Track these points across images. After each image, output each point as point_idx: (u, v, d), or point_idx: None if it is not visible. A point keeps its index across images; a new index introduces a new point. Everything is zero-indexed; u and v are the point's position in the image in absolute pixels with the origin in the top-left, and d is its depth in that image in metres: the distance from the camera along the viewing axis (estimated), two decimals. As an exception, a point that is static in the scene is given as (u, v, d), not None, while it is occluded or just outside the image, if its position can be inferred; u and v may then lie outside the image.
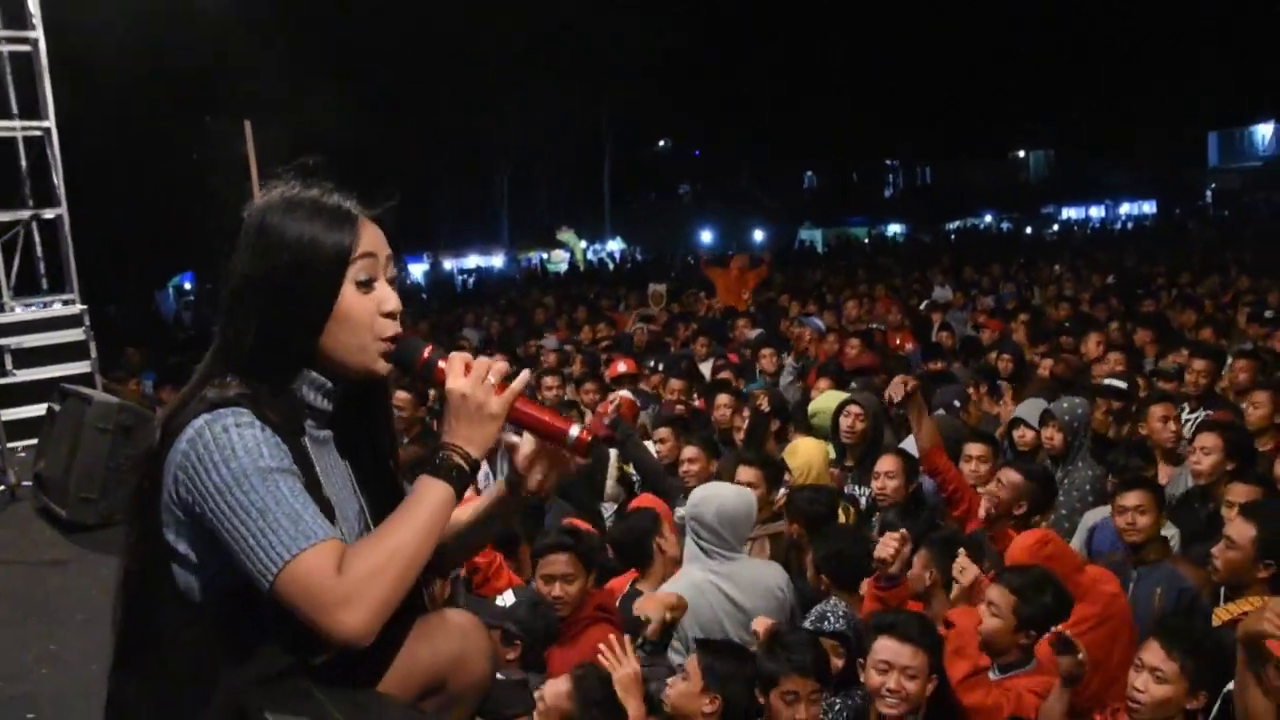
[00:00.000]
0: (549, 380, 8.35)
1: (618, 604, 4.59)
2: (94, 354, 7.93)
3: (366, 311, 1.87)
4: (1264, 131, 46.43)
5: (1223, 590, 4.10)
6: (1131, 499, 4.48)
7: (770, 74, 41.07)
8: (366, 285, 1.87)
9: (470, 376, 1.84)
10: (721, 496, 4.60)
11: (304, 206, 1.87)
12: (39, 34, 8.24)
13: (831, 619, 3.98)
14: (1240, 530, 3.95)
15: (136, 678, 1.86)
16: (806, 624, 3.99)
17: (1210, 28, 38.71)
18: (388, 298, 1.89)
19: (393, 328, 1.89)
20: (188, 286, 33.51)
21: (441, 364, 1.90)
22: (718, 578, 4.38)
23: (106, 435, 5.24)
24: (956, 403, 7.33)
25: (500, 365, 1.88)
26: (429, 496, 1.79)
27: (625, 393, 7.30)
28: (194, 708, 1.79)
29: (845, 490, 5.99)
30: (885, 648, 3.40)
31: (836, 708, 3.71)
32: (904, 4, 38.93)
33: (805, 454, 6.19)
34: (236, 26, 18.75)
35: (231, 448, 1.73)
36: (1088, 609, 4.00)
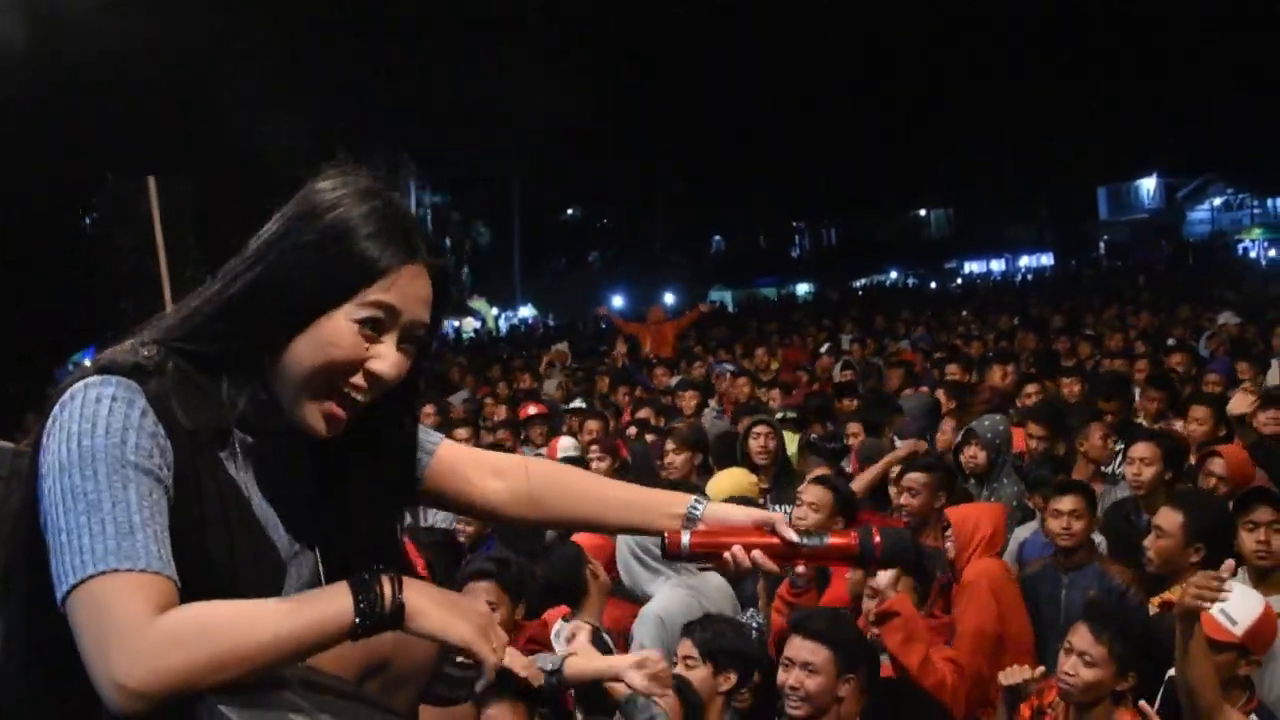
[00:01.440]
0: (461, 432, 8.20)
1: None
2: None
3: (347, 350, 1.50)
4: (1148, 185, 48.46)
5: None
6: (1066, 504, 4.56)
7: (676, 138, 41.71)
8: (370, 328, 1.51)
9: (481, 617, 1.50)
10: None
11: (372, 202, 1.54)
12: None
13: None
14: (1168, 518, 4.07)
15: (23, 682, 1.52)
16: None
17: (1095, 89, 40.38)
18: (385, 357, 1.52)
19: (361, 392, 1.53)
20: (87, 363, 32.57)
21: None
22: (690, 590, 4.36)
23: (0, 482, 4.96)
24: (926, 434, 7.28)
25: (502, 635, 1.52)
26: (323, 609, 1.41)
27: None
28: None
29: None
30: (791, 644, 3.35)
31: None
32: (803, 67, 39.90)
33: (727, 483, 6.14)
34: (137, 82, 18.47)
35: (94, 421, 1.41)
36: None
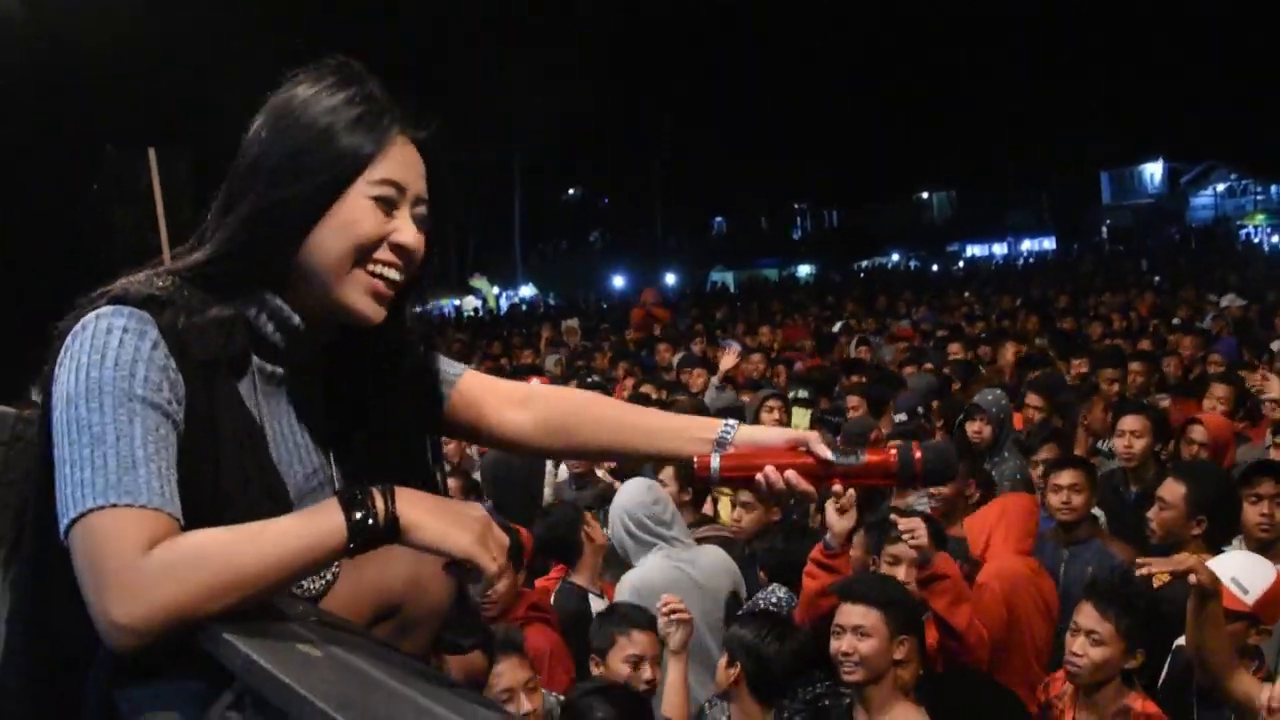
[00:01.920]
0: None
1: (553, 600, 4.47)
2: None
3: (370, 226, 1.50)
4: (1152, 170, 48.33)
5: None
6: (1065, 478, 4.53)
7: (678, 121, 41.59)
8: (383, 205, 1.51)
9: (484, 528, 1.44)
10: (623, 494, 4.56)
11: (338, 95, 1.53)
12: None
13: (762, 604, 3.89)
14: (1172, 490, 4.06)
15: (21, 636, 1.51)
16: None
17: (1098, 73, 40.27)
18: (405, 229, 1.52)
19: (394, 268, 1.53)
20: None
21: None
22: (681, 563, 4.32)
23: (1, 447, 4.93)
24: (920, 409, 7.12)
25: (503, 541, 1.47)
26: (315, 527, 1.38)
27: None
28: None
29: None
30: (840, 611, 3.31)
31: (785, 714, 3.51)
32: (807, 50, 39.74)
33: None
34: (137, 51, 18.35)
35: (103, 353, 1.39)
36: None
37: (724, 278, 42.03)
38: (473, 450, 7.02)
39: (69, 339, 1.43)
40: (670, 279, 40.02)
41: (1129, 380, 7.35)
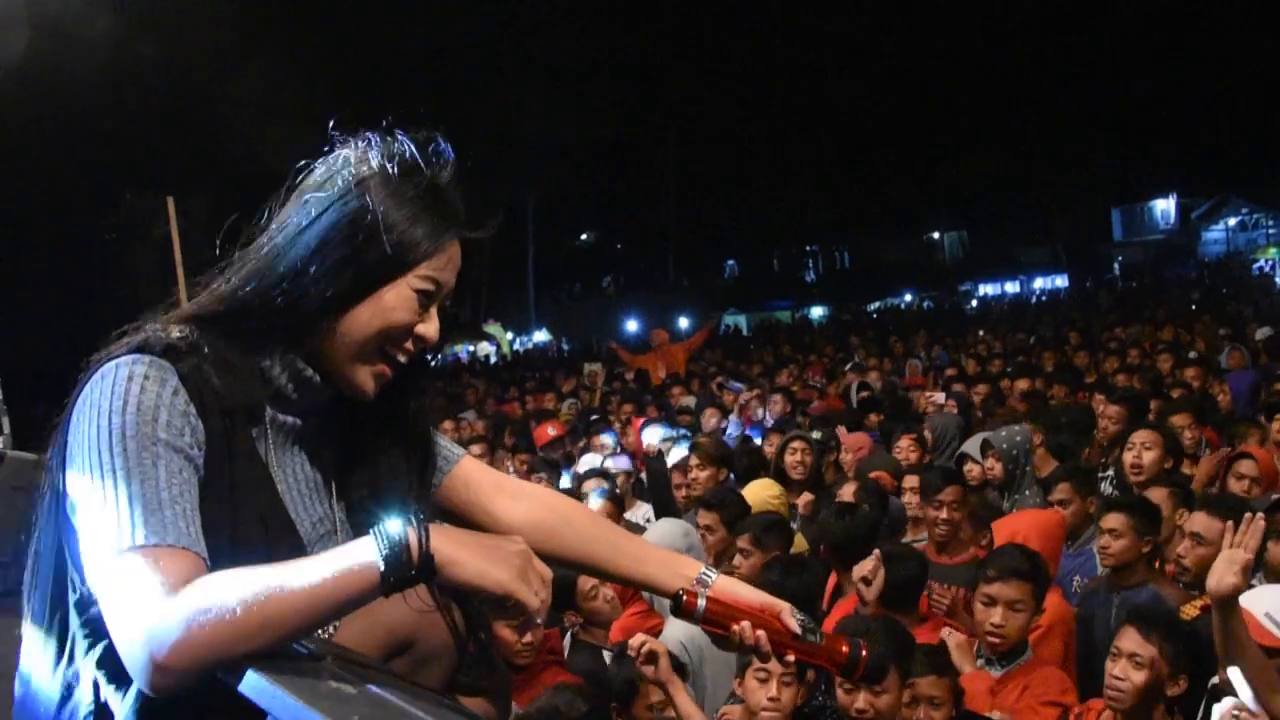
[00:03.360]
0: (475, 448, 8.18)
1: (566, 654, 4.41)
2: (6, 429, 7.60)
3: (405, 317, 1.57)
4: (1164, 206, 48.34)
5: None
6: (1108, 521, 4.41)
7: (687, 164, 41.80)
8: (423, 299, 1.59)
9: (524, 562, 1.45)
10: (656, 533, 4.53)
11: (409, 184, 1.58)
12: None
13: None
14: (1207, 525, 3.94)
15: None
16: None
17: (1107, 110, 40.40)
18: (432, 324, 1.60)
19: (406, 354, 1.61)
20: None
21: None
22: None
23: (20, 493, 4.92)
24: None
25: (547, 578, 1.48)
26: (348, 566, 1.35)
27: None
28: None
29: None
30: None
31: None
32: (816, 91, 39.99)
33: (755, 494, 6.09)
34: (157, 98, 18.50)
35: (125, 399, 1.40)
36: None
37: (737, 320, 42.02)
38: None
39: (87, 388, 1.45)
40: (683, 322, 40.02)
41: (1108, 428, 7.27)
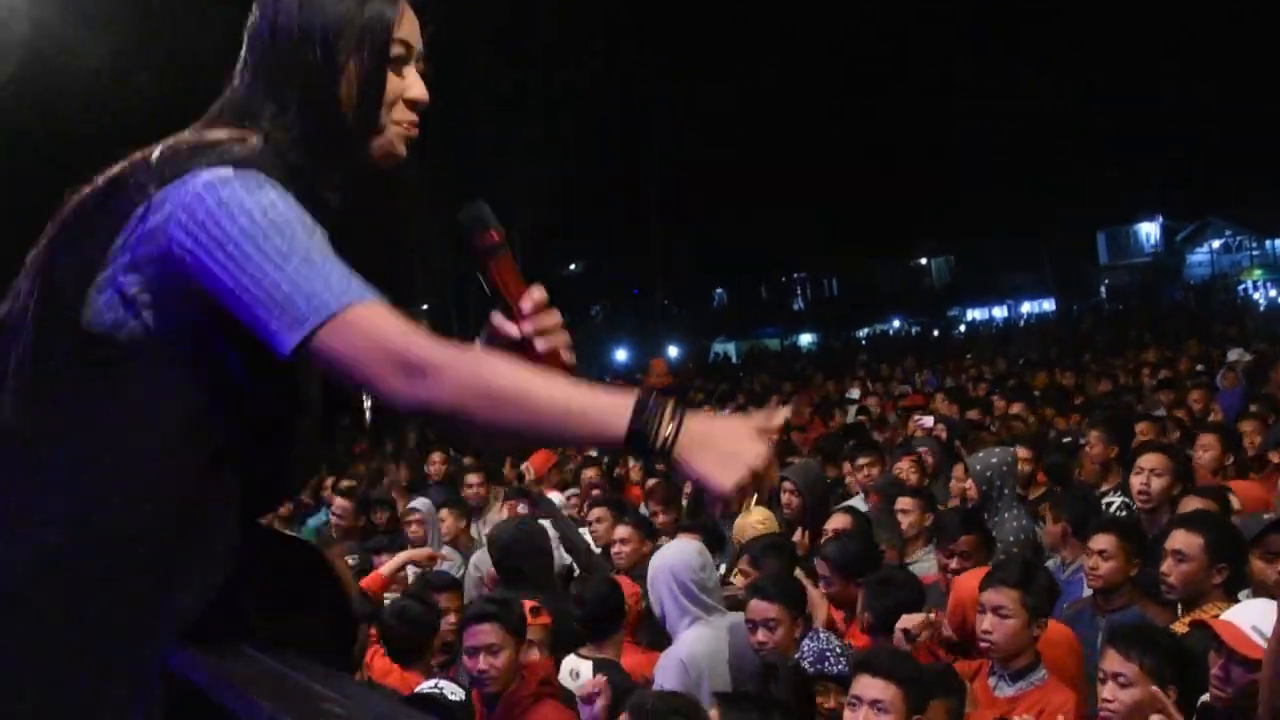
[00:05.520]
0: (472, 478, 8.14)
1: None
2: None
3: (393, 91, 1.65)
4: (1148, 229, 48.67)
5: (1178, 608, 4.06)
6: (1096, 542, 4.36)
7: (673, 192, 41.92)
8: (396, 65, 1.65)
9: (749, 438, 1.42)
10: (673, 554, 4.49)
11: None
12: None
13: (831, 660, 3.83)
14: (1187, 541, 3.95)
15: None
16: (805, 665, 3.79)
17: (1090, 134, 40.68)
18: (415, 84, 1.67)
19: (410, 118, 1.68)
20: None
21: (501, 262, 1.66)
22: (717, 633, 4.28)
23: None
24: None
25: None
26: (606, 411, 1.41)
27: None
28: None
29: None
30: (857, 683, 3.26)
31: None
32: (802, 118, 40.21)
33: (740, 526, 6.05)
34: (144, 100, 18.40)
35: (271, 201, 1.46)
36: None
37: (726, 348, 42.11)
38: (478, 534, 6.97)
39: (191, 198, 1.46)
40: (673, 351, 40.08)
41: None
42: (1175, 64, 37.45)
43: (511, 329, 1.66)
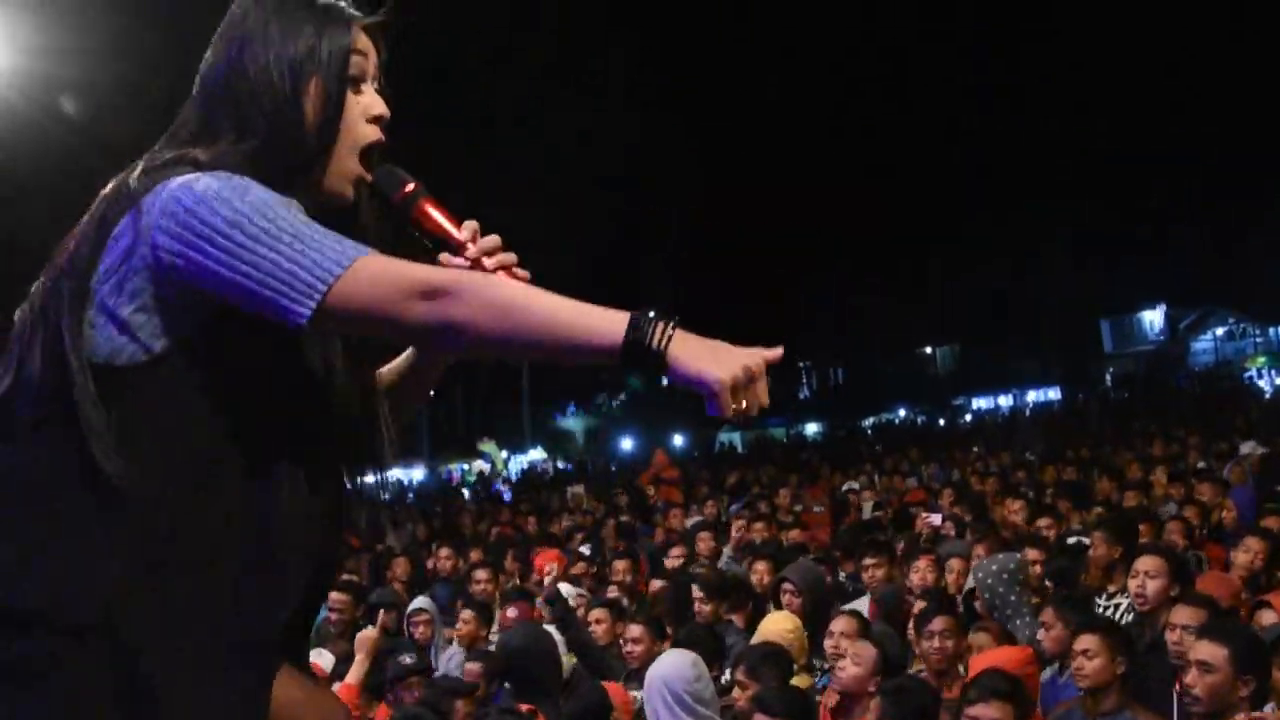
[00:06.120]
0: (481, 574, 8.11)
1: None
2: None
3: (351, 114, 1.69)
4: (1152, 318, 48.84)
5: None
6: (1081, 642, 4.39)
7: (677, 281, 42.16)
8: (354, 84, 1.70)
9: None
10: (667, 665, 4.46)
11: (293, 4, 1.70)
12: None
13: None
14: (1213, 651, 3.89)
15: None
16: None
17: (1093, 224, 41.09)
18: (375, 102, 1.72)
19: (374, 134, 1.72)
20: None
21: (424, 205, 1.70)
22: None
23: None
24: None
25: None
26: (603, 318, 1.49)
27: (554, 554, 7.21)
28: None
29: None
30: None
31: None
32: (807, 206, 40.56)
33: (767, 629, 5.99)
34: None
35: (245, 187, 1.51)
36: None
37: (731, 437, 41.97)
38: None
39: (169, 201, 1.51)
40: (678, 439, 39.97)
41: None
42: (1173, 156, 37.92)
43: (459, 261, 1.70)
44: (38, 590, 1.46)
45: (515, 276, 1.70)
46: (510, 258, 1.71)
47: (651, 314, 1.48)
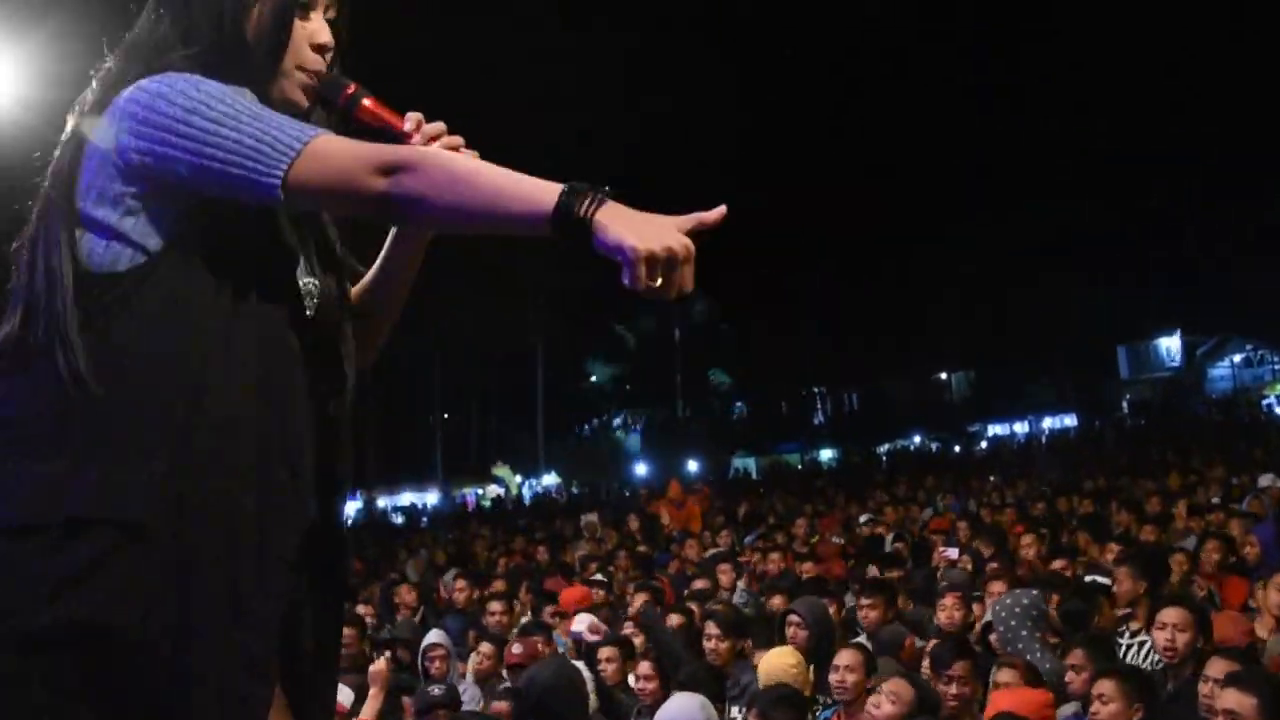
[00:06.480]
0: (495, 605, 8.08)
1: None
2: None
3: (296, 38, 1.74)
4: (1168, 344, 48.59)
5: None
6: (1097, 687, 4.35)
7: (692, 308, 42.22)
8: (303, 10, 1.75)
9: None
10: (674, 710, 4.46)
11: None
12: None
13: None
14: (1240, 701, 3.86)
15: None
16: None
17: (1110, 249, 40.99)
18: (320, 30, 1.77)
19: (317, 63, 1.76)
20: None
21: (366, 102, 1.75)
22: None
23: None
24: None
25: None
26: (539, 187, 1.52)
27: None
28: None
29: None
30: None
31: None
32: (820, 234, 40.65)
33: (769, 665, 5.96)
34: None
35: (197, 80, 1.58)
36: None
37: (746, 464, 41.93)
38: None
39: (127, 103, 1.58)
40: (692, 465, 39.92)
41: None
42: (1189, 183, 37.82)
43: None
44: (91, 496, 1.51)
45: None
46: (456, 139, 1.75)
47: (580, 185, 1.52)
